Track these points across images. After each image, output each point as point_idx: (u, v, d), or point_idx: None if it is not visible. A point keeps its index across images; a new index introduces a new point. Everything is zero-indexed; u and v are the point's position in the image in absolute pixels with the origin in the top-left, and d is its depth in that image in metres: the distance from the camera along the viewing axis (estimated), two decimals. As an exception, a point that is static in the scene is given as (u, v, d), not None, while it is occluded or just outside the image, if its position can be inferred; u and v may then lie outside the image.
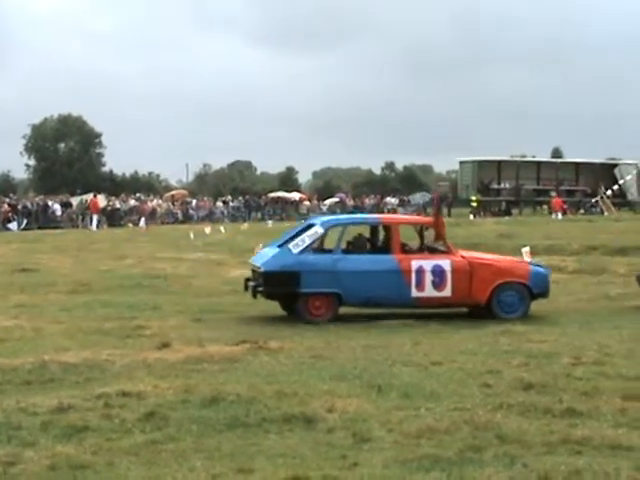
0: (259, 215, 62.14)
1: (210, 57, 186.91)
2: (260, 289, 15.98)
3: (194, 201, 64.61)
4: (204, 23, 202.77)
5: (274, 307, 16.70)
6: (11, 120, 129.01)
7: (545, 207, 59.50)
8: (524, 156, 72.78)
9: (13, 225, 49.12)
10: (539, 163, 65.65)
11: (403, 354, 11.48)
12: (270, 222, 50.54)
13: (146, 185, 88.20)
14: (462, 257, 16.26)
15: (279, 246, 16.55)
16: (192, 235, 36.94)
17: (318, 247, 16.41)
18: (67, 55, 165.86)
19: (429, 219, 17.13)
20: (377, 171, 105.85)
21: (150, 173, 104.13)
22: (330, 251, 16.35)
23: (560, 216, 51.40)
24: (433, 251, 16.50)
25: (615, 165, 64.41)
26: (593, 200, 58.71)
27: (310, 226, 16.89)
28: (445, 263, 15.97)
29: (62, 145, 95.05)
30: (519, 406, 8.43)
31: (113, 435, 7.53)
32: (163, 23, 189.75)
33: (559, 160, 74.17)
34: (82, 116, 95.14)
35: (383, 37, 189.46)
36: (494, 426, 7.65)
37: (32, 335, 14.12)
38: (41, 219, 51.68)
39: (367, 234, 17.02)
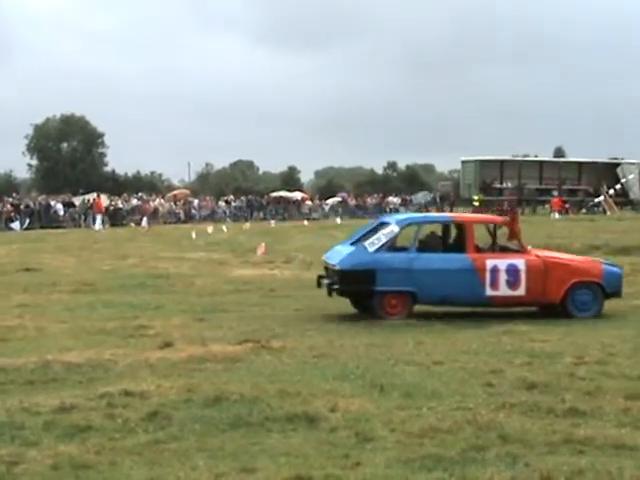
0: (261, 215, 62.16)
1: (212, 56, 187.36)
2: (335, 287, 16.04)
3: (196, 201, 64.64)
4: (206, 23, 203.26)
5: (276, 307, 16.69)
6: (12, 120, 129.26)
7: (547, 206, 59.50)
8: (526, 155, 72.70)
9: (16, 225, 49.16)
10: (541, 162, 65.70)
11: (405, 353, 11.48)
12: (273, 222, 50.53)
13: (148, 185, 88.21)
14: (536, 256, 16.33)
15: (352, 244, 16.70)
16: (194, 235, 36.95)
17: (392, 245, 16.41)
18: (68, 55, 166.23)
19: (502, 218, 17.20)
20: (379, 170, 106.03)
21: (152, 173, 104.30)
22: (404, 249, 16.39)
23: (557, 216, 51.38)
24: (505, 250, 16.59)
25: (617, 164, 64.40)
26: (596, 200, 58.70)
27: (381, 224, 17.05)
28: (519, 262, 16.02)
29: (65, 145, 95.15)
30: (522, 406, 8.43)
31: (116, 435, 7.54)
32: (165, 23, 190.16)
33: (561, 159, 74.17)
34: (85, 116, 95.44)
35: (386, 36, 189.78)
36: (496, 426, 7.65)
37: (35, 335, 14.13)
38: (43, 219, 51.72)
39: (439, 233, 17.13)
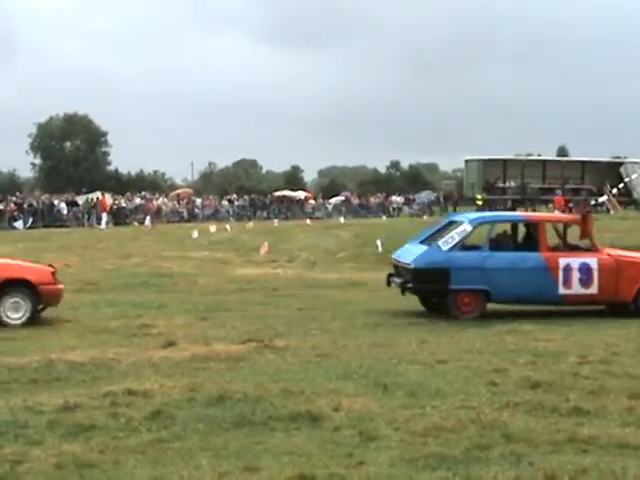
0: (264, 214, 62.07)
1: (215, 56, 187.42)
2: (409, 285, 16.14)
3: (199, 200, 64.58)
4: (208, 22, 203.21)
5: (279, 306, 16.69)
6: (16, 119, 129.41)
7: (550, 205, 59.43)
8: (530, 155, 72.61)
9: (19, 224, 49.13)
10: (545, 162, 65.55)
11: (409, 353, 11.48)
12: (276, 221, 50.53)
13: (151, 184, 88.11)
14: (609, 255, 16.46)
15: (421, 242, 16.92)
16: (196, 234, 36.95)
17: (463, 244, 16.49)
18: (71, 54, 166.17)
19: (575, 217, 17.35)
20: (382, 170, 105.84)
21: (155, 172, 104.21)
22: (476, 248, 16.51)
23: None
24: (576, 249, 16.71)
25: (621, 164, 64.31)
26: (599, 199, 58.65)
27: (450, 223, 17.31)
28: (592, 261, 16.15)
29: (68, 144, 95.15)
30: (526, 405, 8.42)
31: (119, 434, 7.54)
32: (167, 22, 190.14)
33: (565, 159, 74.07)
34: (88, 115, 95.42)
35: (388, 35, 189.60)
36: (500, 425, 7.65)
37: (39, 334, 14.14)
38: (47, 218, 51.69)
39: (510, 231, 17.31)
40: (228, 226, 43.28)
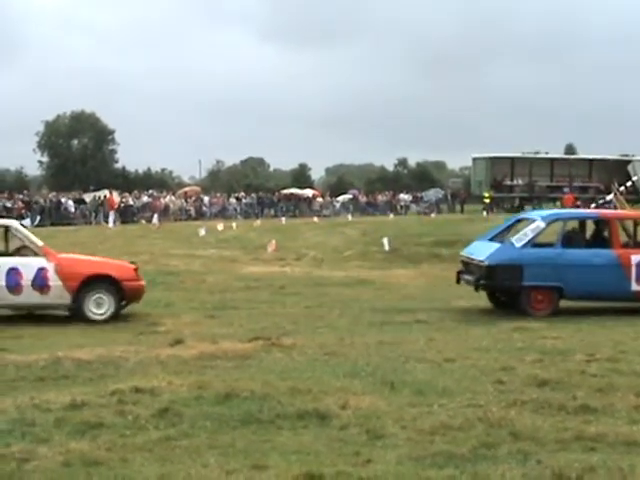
0: (272, 212, 62.07)
1: (222, 54, 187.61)
2: (482, 282, 16.23)
3: (207, 198, 64.61)
4: (215, 20, 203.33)
5: (286, 304, 16.68)
6: (22, 117, 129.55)
7: (558, 203, 59.36)
8: (537, 152, 72.48)
9: (26, 222, 49.04)
10: (552, 160, 65.47)
11: (416, 351, 11.47)
12: (283, 219, 50.54)
13: (159, 182, 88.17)
14: None
15: (490, 240, 17.09)
16: (204, 232, 36.95)
17: (535, 241, 16.55)
18: (78, 52, 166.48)
19: None
20: (390, 167, 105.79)
21: (163, 170, 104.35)
22: (549, 245, 16.58)
23: None
24: None
25: (629, 161, 64.18)
26: (607, 197, 58.55)
27: (519, 221, 17.63)
28: None
29: (75, 142, 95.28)
30: (533, 403, 8.41)
31: (127, 431, 7.54)
32: (173, 20, 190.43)
33: (572, 157, 73.97)
34: (95, 113, 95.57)
35: (396, 33, 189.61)
36: (508, 423, 7.64)
37: (46, 332, 14.17)
38: (54, 216, 51.75)
39: (580, 229, 17.47)
40: (235, 224, 43.26)
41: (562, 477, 6.21)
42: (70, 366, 10.59)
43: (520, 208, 58.57)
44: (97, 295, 15.64)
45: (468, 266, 17.10)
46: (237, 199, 64.44)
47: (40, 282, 15.45)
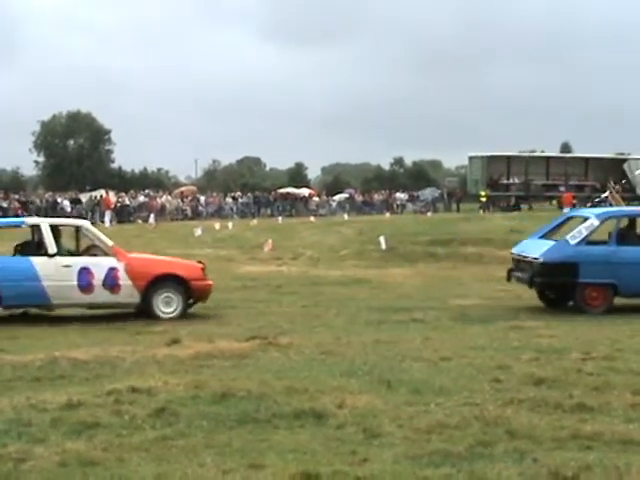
0: (268, 211, 62.09)
1: (218, 53, 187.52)
2: (537, 279, 16.31)
3: (203, 197, 64.63)
4: (212, 18, 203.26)
5: (283, 303, 16.68)
6: (19, 117, 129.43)
7: (555, 202, 59.45)
8: (533, 151, 72.61)
9: (23, 222, 49.18)
10: (548, 158, 65.59)
11: (413, 350, 11.47)
12: (280, 218, 50.55)
13: (155, 181, 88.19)
14: None
15: (541, 237, 17.27)
16: (200, 231, 36.95)
17: (590, 239, 16.66)
18: (74, 52, 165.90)
19: None
20: (386, 167, 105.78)
21: (159, 169, 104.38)
22: (603, 243, 16.72)
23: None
24: None
25: (624, 160, 64.31)
26: (602, 196, 58.64)
27: (569, 219, 18.00)
28: None
29: (71, 142, 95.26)
30: (529, 401, 8.41)
31: (123, 431, 7.53)
32: (170, 19, 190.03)
33: (568, 155, 74.08)
34: (91, 113, 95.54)
35: (393, 32, 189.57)
36: (504, 421, 7.64)
37: (42, 332, 14.16)
38: (50, 215, 51.73)
39: (632, 226, 17.50)
40: (231, 224, 43.27)
41: (558, 476, 6.21)
42: (66, 366, 10.58)
43: (516, 206, 58.72)
44: (166, 294, 15.91)
45: (520, 264, 17.19)
46: (233, 198, 64.47)
47: (111, 281, 15.75)
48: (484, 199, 58.62)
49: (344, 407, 8.17)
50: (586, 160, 63.87)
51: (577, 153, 74.49)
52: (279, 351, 11.47)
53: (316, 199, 66.90)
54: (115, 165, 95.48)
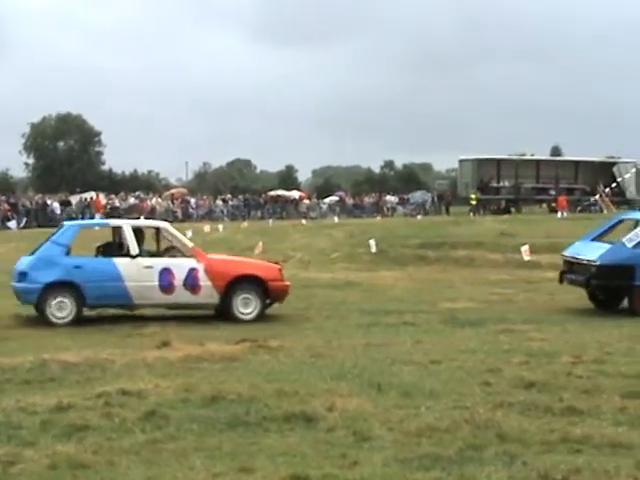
0: (259, 214, 62.07)
1: (210, 54, 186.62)
2: (593, 282, 16.40)
3: (194, 200, 64.59)
4: (203, 19, 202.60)
5: (273, 306, 16.66)
6: (9, 118, 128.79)
7: (545, 206, 59.61)
8: (523, 154, 72.69)
9: (12, 224, 49.10)
10: (538, 161, 65.71)
11: (403, 353, 11.48)
12: (270, 221, 50.53)
13: (145, 183, 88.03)
14: None
15: (593, 240, 17.38)
16: (190, 233, 36.85)
17: None
18: (65, 52, 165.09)
19: None
20: (376, 169, 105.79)
21: (149, 171, 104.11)
22: None
23: (565, 214, 51.51)
24: None
25: (614, 163, 64.55)
26: (592, 199, 58.81)
27: (621, 222, 18.07)
28: None
29: (61, 144, 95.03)
30: (519, 405, 8.43)
31: (113, 434, 7.52)
32: (161, 20, 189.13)
33: (558, 158, 74.23)
34: (81, 115, 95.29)
35: (383, 35, 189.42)
36: (494, 425, 7.64)
37: (32, 334, 14.13)
38: (40, 218, 51.63)
39: None
40: (221, 226, 43.23)
41: (548, 479, 6.23)
42: (56, 369, 10.56)
43: (507, 210, 58.82)
44: (244, 295, 16.07)
45: (573, 266, 17.27)
46: (224, 201, 64.46)
47: (191, 282, 15.97)
48: (474, 202, 58.71)
49: (334, 410, 8.17)
50: (576, 163, 64.05)
51: (567, 156, 74.64)
52: (269, 354, 11.47)
53: (307, 202, 66.94)
54: (105, 167, 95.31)
